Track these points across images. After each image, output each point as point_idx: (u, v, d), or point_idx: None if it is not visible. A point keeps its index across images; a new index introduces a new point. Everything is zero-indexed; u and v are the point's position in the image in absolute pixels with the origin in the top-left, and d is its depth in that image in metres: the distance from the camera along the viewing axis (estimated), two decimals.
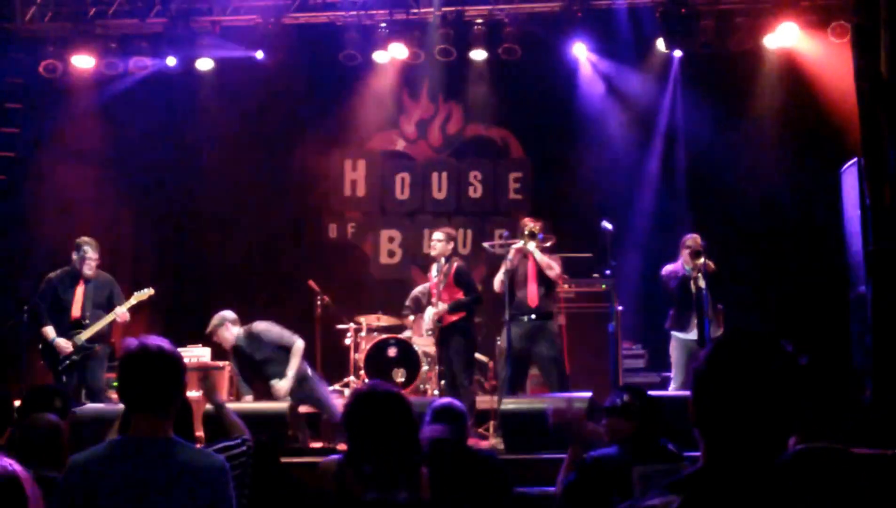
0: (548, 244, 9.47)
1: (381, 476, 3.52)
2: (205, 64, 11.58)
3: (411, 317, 10.54)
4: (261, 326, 8.97)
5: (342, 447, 8.72)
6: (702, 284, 9.05)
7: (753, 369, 2.09)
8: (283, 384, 8.77)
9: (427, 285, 10.03)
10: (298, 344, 8.88)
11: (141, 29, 11.51)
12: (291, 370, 8.80)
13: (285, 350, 8.86)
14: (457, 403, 5.02)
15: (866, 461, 2.93)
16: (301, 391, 8.91)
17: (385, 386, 3.80)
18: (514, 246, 9.34)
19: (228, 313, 9.02)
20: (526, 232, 9.31)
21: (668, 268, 9.43)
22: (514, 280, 9.29)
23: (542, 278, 9.29)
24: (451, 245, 9.59)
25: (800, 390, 2.10)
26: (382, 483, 3.52)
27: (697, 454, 2.22)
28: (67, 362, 8.90)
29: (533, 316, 9.23)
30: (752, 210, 11.21)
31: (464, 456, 4.77)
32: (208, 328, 9.01)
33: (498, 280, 9.28)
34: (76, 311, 9.04)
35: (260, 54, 11.61)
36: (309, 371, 9.08)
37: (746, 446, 2.06)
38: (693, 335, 9.12)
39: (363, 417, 3.62)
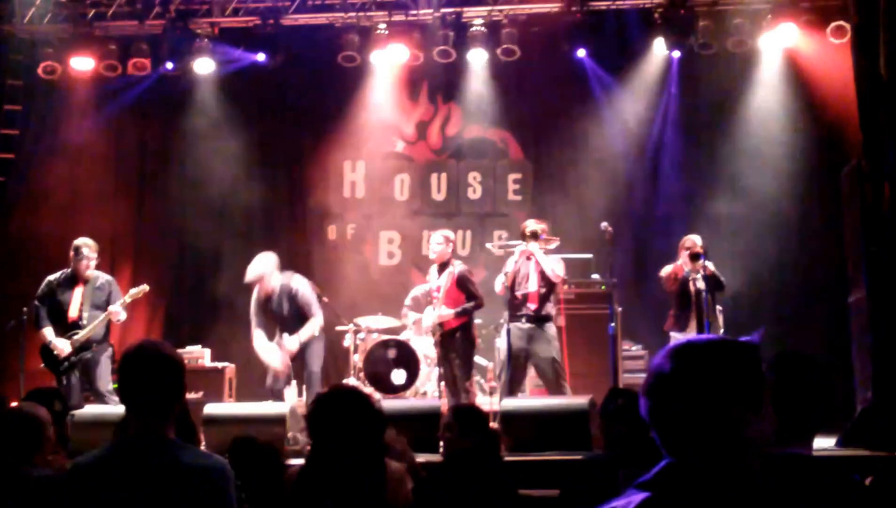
0: (552, 246, 9.48)
1: (344, 480, 3.51)
2: (203, 65, 11.58)
3: (410, 317, 10.54)
4: (299, 283, 9.24)
5: None
6: (701, 285, 9.06)
7: (713, 372, 2.09)
8: (293, 342, 9.04)
9: (426, 285, 10.02)
10: (319, 320, 9.16)
11: (140, 31, 11.52)
12: (304, 335, 9.05)
13: (303, 318, 9.10)
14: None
15: (829, 466, 2.92)
16: (307, 355, 9.14)
17: (348, 387, 3.80)
18: (519, 248, 9.34)
19: (273, 258, 9.25)
20: (528, 232, 9.31)
21: (667, 269, 9.43)
22: (515, 281, 9.30)
23: (544, 280, 9.30)
24: (451, 248, 9.60)
25: (760, 388, 2.11)
26: (345, 486, 3.50)
27: None
28: (66, 363, 8.89)
29: (532, 318, 9.24)
30: (751, 211, 11.20)
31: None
32: (253, 275, 9.15)
33: (500, 282, 9.29)
34: (74, 312, 9.01)
35: (262, 57, 11.61)
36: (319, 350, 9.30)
37: (712, 446, 2.06)
38: (692, 335, 9.10)
39: (324, 418, 3.61)
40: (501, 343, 9.45)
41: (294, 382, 10.66)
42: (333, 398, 3.66)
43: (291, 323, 9.16)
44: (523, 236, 9.38)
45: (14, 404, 5.22)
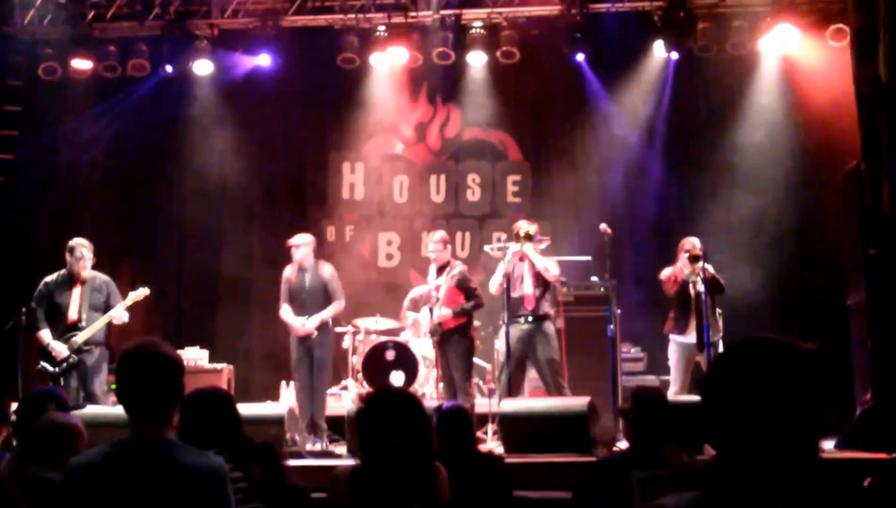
0: (543, 246, 9.48)
1: (397, 485, 3.48)
2: (203, 67, 11.57)
3: (410, 318, 10.53)
4: (330, 268, 9.72)
5: (339, 451, 8.77)
6: (700, 288, 9.05)
7: (766, 374, 2.07)
8: (312, 321, 9.36)
9: (425, 286, 10.02)
10: (342, 303, 9.58)
11: (139, 32, 11.51)
12: (325, 314, 9.44)
13: (325, 299, 9.48)
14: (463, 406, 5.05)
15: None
16: (319, 337, 9.43)
17: (397, 389, 3.76)
18: (511, 249, 9.35)
19: (313, 239, 9.82)
20: (522, 234, 9.32)
21: (666, 272, 9.42)
22: (511, 283, 9.30)
23: (539, 280, 9.30)
24: (448, 250, 9.64)
25: (815, 391, 2.09)
26: (398, 492, 3.48)
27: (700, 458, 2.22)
28: (65, 365, 8.86)
29: (530, 318, 9.24)
30: (751, 214, 11.20)
31: (470, 459, 4.79)
32: (298, 240, 9.66)
33: (495, 283, 9.30)
34: (72, 314, 8.99)
35: (266, 60, 11.61)
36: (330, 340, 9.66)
37: (765, 450, 2.04)
38: (692, 338, 9.12)
39: (378, 421, 3.57)
40: (500, 345, 9.44)
41: (293, 384, 10.71)
42: (384, 400, 3.63)
43: (312, 302, 9.48)
44: (516, 238, 9.38)
45: (14, 405, 5.20)
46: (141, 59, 11.51)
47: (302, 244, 9.61)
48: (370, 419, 3.55)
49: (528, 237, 9.30)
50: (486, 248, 10.50)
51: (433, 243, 9.64)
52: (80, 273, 9.04)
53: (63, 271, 9.13)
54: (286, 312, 9.55)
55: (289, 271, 9.71)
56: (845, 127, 9.04)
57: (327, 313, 9.46)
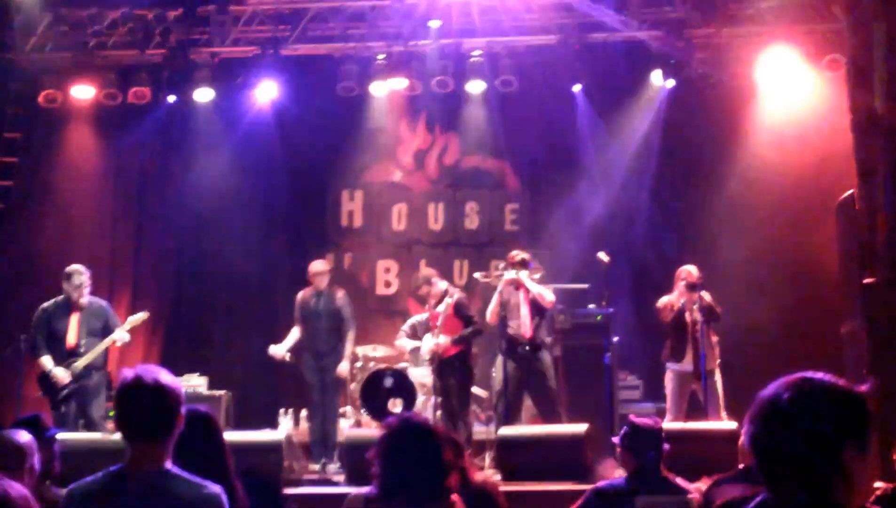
0: (536, 276, 9.52)
1: None
2: (203, 94, 11.63)
3: (406, 343, 10.52)
4: (343, 294, 10.08)
5: (336, 478, 8.77)
6: (697, 316, 9.08)
7: (833, 409, 2.10)
8: (344, 367, 9.87)
9: (425, 314, 10.08)
10: (354, 330, 9.95)
11: (140, 59, 11.56)
12: (348, 351, 9.87)
13: (335, 326, 9.85)
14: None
15: None
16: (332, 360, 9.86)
17: (418, 418, 3.75)
18: (506, 276, 9.38)
19: (328, 264, 10.41)
20: (517, 261, 9.37)
21: (663, 300, 9.44)
22: (507, 311, 9.33)
23: (536, 309, 9.34)
24: (436, 283, 9.71)
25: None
26: None
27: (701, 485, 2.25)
28: (65, 391, 8.87)
29: (527, 348, 9.27)
30: (747, 241, 11.23)
31: (466, 487, 4.79)
32: (318, 267, 10.14)
33: (491, 311, 9.33)
34: (71, 340, 9.00)
35: (266, 88, 11.68)
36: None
37: (822, 483, 2.07)
38: (688, 366, 9.14)
39: (398, 450, 3.55)
40: (498, 373, 9.46)
41: (290, 411, 10.74)
42: (409, 429, 3.62)
43: (324, 326, 9.85)
44: (512, 266, 9.42)
45: None
46: (142, 86, 11.57)
47: (324, 272, 10.03)
48: (392, 447, 3.54)
49: (523, 264, 9.34)
50: (476, 275, 10.52)
51: (418, 284, 9.98)
52: (77, 300, 9.06)
53: (60, 298, 9.15)
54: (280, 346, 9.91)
55: (302, 295, 9.99)
56: (840, 156, 9.08)
57: (349, 350, 9.89)
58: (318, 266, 10.09)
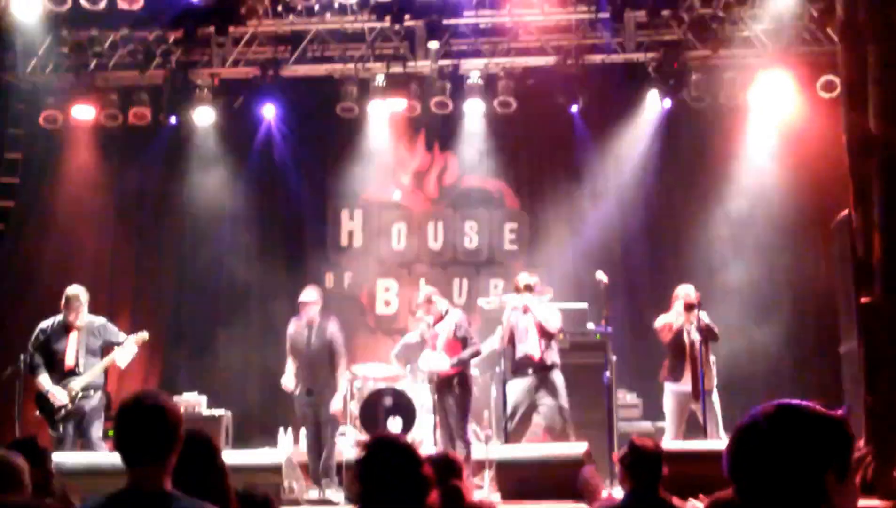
0: (546, 297, 9.56)
1: None
2: (203, 115, 11.69)
3: (406, 365, 10.55)
4: (335, 325, 9.61)
5: (335, 499, 8.78)
6: (695, 336, 9.11)
7: (813, 436, 2.11)
8: (338, 402, 9.40)
9: (417, 334, 10.12)
10: (346, 362, 9.56)
11: (141, 80, 11.63)
12: (342, 390, 9.44)
13: (328, 358, 9.43)
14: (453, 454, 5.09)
15: None
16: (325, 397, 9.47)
17: (397, 438, 3.78)
18: (511, 302, 9.41)
19: (319, 292, 9.80)
20: (522, 285, 9.41)
21: (661, 320, 9.48)
22: (516, 334, 9.39)
23: (543, 331, 9.38)
24: (436, 304, 9.73)
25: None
26: None
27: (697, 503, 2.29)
28: (63, 412, 8.87)
29: (538, 369, 9.32)
30: (744, 260, 11.28)
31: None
32: (308, 297, 9.58)
33: (501, 338, 9.36)
34: (69, 360, 8.97)
35: (267, 109, 11.75)
36: None
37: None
38: (686, 386, 9.16)
39: (378, 470, 3.59)
40: (510, 395, 9.51)
41: (290, 429, 10.74)
42: (385, 448, 3.65)
43: (316, 358, 9.46)
44: (517, 290, 9.46)
45: None
46: (142, 107, 11.64)
47: (314, 303, 9.60)
48: (370, 468, 3.58)
49: (529, 289, 9.39)
50: (481, 302, 10.54)
51: (418, 307, 9.85)
52: (73, 321, 9.05)
53: (58, 317, 9.13)
54: (288, 376, 9.56)
55: (293, 327, 9.68)
56: (836, 176, 9.13)
57: (343, 388, 9.50)
58: (308, 295, 9.64)
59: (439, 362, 9.41)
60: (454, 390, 9.45)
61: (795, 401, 2.20)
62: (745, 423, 2.18)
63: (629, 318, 11.11)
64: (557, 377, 9.46)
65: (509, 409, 9.40)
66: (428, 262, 12.64)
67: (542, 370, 9.38)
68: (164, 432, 3.25)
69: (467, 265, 12.65)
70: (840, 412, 2.21)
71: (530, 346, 9.40)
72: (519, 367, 9.35)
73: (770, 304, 11.15)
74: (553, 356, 9.49)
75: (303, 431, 10.68)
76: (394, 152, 12.70)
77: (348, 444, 10.30)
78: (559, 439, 9.25)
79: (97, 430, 9.01)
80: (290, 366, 9.60)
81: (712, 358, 9.35)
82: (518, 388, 9.26)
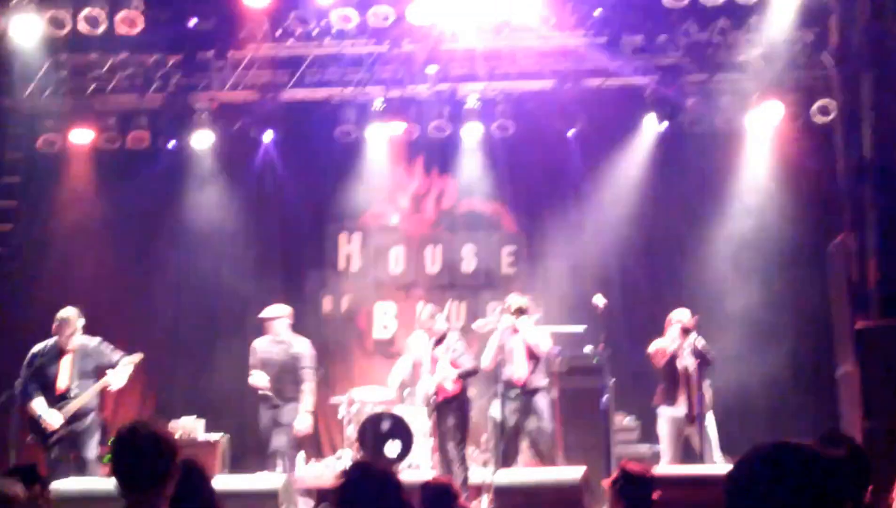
0: (534, 317, 9.57)
1: None
2: (202, 139, 11.73)
3: (404, 387, 10.55)
4: (304, 343, 9.67)
5: None
6: (689, 361, 9.14)
7: (794, 485, 2.11)
8: (303, 420, 9.37)
9: (408, 359, 10.14)
10: (313, 383, 9.49)
11: (140, 104, 11.67)
12: (309, 405, 9.43)
13: (294, 376, 9.43)
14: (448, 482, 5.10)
15: None
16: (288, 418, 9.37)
17: (377, 466, 3.80)
18: (504, 323, 9.42)
19: (290, 310, 9.80)
20: (514, 308, 9.41)
21: (655, 345, 9.51)
22: (504, 355, 9.39)
23: (532, 353, 9.38)
24: (440, 321, 9.76)
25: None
26: None
27: None
28: (56, 436, 8.85)
29: (523, 392, 9.31)
30: (740, 285, 11.29)
31: None
32: (270, 313, 9.64)
33: (488, 357, 9.36)
34: (62, 383, 8.96)
35: (269, 132, 11.81)
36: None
37: None
38: (681, 411, 9.18)
39: (356, 496, 3.61)
40: (495, 413, 9.49)
41: (302, 452, 10.67)
42: (362, 476, 3.66)
43: (282, 375, 9.43)
44: (508, 311, 9.47)
45: None
46: (141, 130, 11.67)
47: (276, 318, 9.56)
48: (348, 496, 3.60)
49: (520, 311, 9.39)
50: (474, 326, 10.52)
51: (426, 317, 9.80)
52: (64, 344, 9.05)
53: (51, 341, 9.13)
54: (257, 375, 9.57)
55: (259, 343, 9.70)
56: (831, 201, 9.18)
57: (309, 405, 9.42)
58: (268, 312, 9.58)
59: (445, 371, 9.39)
60: (452, 413, 9.45)
61: (792, 443, 2.18)
62: (742, 471, 2.17)
63: (627, 341, 11.10)
64: (542, 400, 9.45)
65: (496, 430, 9.39)
66: (426, 285, 12.65)
67: (527, 393, 9.37)
68: (159, 461, 3.27)
69: (465, 288, 12.66)
70: (837, 451, 2.19)
71: (517, 368, 9.40)
72: (506, 388, 9.35)
73: (767, 327, 11.14)
74: (539, 380, 9.49)
75: (301, 454, 10.68)
76: (392, 176, 12.72)
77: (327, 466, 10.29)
78: (546, 462, 9.25)
79: (92, 452, 8.98)
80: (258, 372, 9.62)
81: (707, 382, 9.35)
82: (505, 409, 9.25)
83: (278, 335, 9.58)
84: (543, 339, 9.45)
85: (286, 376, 9.50)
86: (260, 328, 12.09)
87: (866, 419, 7.94)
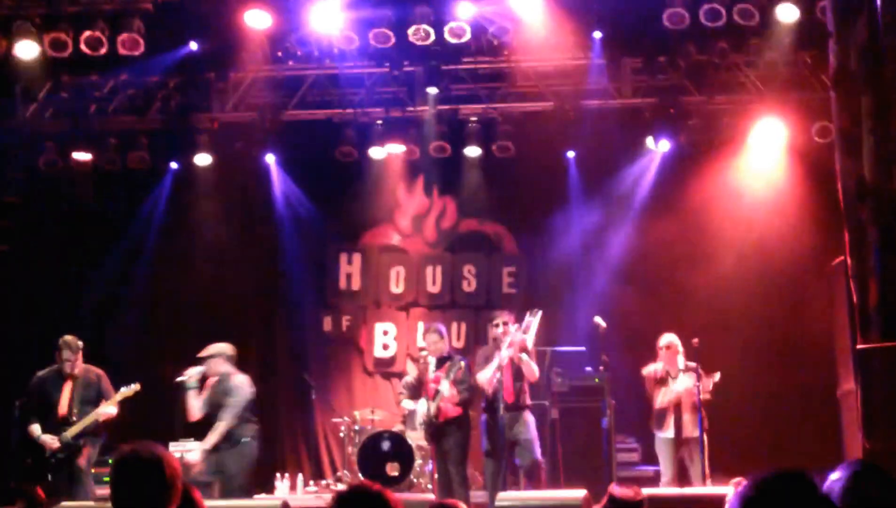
0: (536, 317, 9.57)
1: None
2: (203, 159, 11.75)
3: (408, 404, 10.50)
4: (240, 382, 9.02)
5: None
6: (678, 385, 9.21)
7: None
8: (195, 453, 8.84)
9: (414, 374, 10.11)
10: (229, 422, 8.81)
11: (140, 125, 11.69)
12: (208, 443, 8.82)
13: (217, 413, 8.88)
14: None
15: None
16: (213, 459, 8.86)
17: (369, 486, 3.79)
18: (507, 342, 9.39)
19: (230, 349, 9.17)
20: (502, 323, 9.44)
21: (648, 369, 9.55)
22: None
23: (519, 374, 9.39)
24: (446, 343, 9.74)
25: None
26: None
27: None
28: (53, 459, 8.85)
29: (510, 408, 9.30)
30: (740, 306, 11.30)
31: None
32: (208, 351, 9.07)
33: (486, 378, 9.31)
34: (63, 408, 8.97)
35: (271, 158, 11.84)
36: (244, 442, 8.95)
37: None
38: (670, 433, 9.26)
39: None
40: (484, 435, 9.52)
41: (287, 475, 10.68)
42: (357, 499, 3.63)
43: (213, 413, 8.99)
44: (498, 327, 9.49)
45: None
46: (141, 151, 11.68)
47: (216, 355, 9.14)
48: None
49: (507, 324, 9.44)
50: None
51: (431, 337, 9.76)
52: (67, 370, 9.06)
53: (55, 367, 9.16)
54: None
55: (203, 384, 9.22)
56: (832, 222, 9.18)
57: (209, 444, 8.86)
58: (206, 350, 9.14)
59: (446, 394, 9.37)
60: (453, 434, 9.43)
61: (792, 471, 2.18)
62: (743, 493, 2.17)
63: (628, 362, 11.10)
64: (528, 418, 9.46)
65: (484, 447, 9.39)
66: (426, 305, 12.66)
67: (516, 408, 9.38)
68: (160, 484, 3.26)
69: (466, 309, 12.67)
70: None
71: (504, 387, 9.38)
72: (491, 407, 9.34)
73: (768, 347, 11.15)
74: (525, 399, 9.51)
75: (300, 477, 10.67)
76: (392, 196, 12.76)
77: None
78: (532, 477, 9.26)
79: (84, 461, 8.96)
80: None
81: (699, 404, 9.34)
82: (492, 429, 9.26)
83: (216, 372, 9.13)
84: (531, 368, 9.42)
85: (215, 410, 9.01)
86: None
87: (867, 441, 7.91)
